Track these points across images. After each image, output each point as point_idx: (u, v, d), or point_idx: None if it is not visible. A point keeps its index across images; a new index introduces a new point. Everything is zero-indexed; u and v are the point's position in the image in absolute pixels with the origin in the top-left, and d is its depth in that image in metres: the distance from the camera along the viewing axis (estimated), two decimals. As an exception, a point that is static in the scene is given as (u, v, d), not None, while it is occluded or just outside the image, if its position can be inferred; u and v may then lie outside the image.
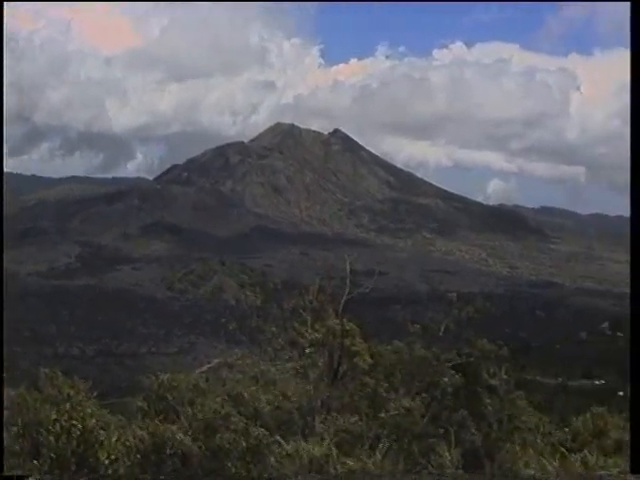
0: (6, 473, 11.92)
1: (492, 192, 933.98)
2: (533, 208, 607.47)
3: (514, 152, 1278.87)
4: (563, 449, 16.78)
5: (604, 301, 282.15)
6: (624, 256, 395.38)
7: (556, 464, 15.95)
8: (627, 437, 21.54)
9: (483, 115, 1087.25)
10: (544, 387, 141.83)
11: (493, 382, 17.37)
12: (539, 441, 17.90)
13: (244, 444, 13.16)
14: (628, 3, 11.07)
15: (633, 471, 7.92)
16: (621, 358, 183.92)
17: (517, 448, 16.58)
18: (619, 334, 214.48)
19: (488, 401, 17.05)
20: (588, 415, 20.33)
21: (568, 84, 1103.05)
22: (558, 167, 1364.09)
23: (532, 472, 15.50)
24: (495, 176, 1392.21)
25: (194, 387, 15.34)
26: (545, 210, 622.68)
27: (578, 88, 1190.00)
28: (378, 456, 14.26)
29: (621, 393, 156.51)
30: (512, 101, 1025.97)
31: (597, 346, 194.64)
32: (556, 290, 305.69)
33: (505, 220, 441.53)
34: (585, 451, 16.91)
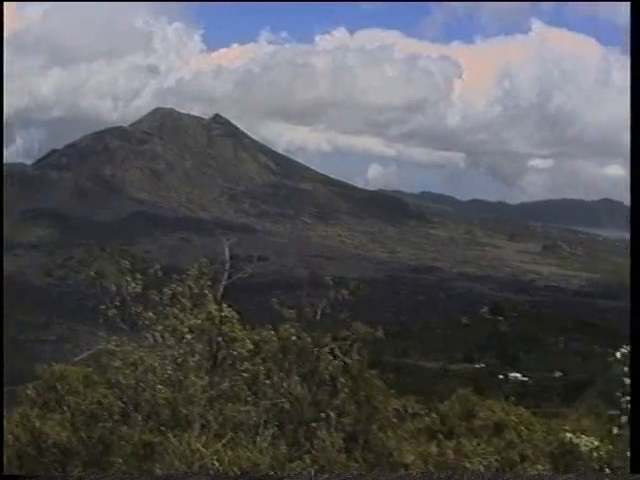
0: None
1: (372, 177, 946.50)
2: (413, 193, 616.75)
3: (394, 138, 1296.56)
4: (437, 434, 17.06)
5: (484, 286, 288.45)
6: (504, 241, 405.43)
7: (434, 450, 16.22)
8: (504, 419, 22.04)
9: (365, 101, 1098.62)
10: (426, 371, 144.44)
11: (347, 360, 17.53)
12: (410, 424, 18.17)
13: (136, 438, 13.06)
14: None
15: (633, 471, 8.16)
16: (501, 342, 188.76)
17: (389, 433, 16.80)
18: (499, 318, 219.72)
19: (342, 380, 17.19)
20: (454, 397, 20.65)
21: (450, 71, 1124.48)
22: (438, 153, 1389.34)
23: (411, 458, 15.74)
24: (375, 161, 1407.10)
25: (84, 377, 15.14)
26: (425, 195, 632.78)
27: (460, 75, 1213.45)
28: (263, 444, 14.29)
29: (501, 376, 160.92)
30: (394, 87, 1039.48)
31: (477, 330, 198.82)
32: (436, 275, 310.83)
33: (385, 205, 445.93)
34: (459, 438, 17.26)
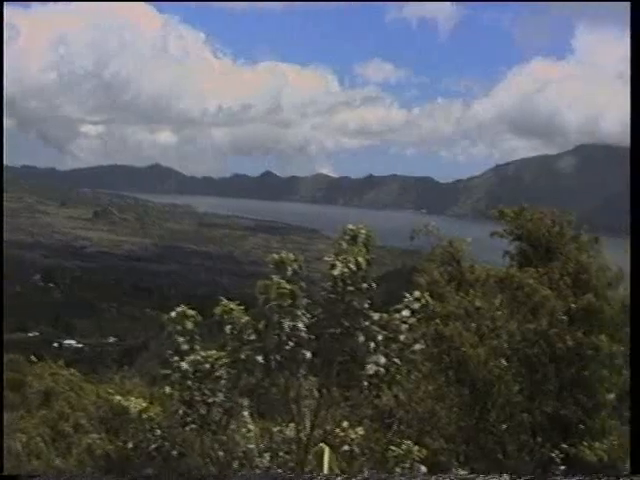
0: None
1: None
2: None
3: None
4: None
5: (35, 253, 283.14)
6: (54, 208, 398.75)
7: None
8: (53, 387, 21.75)
9: None
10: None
11: None
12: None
13: None
14: None
15: (633, 471, 8.09)
16: (54, 309, 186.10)
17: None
18: (51, 285, 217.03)
19: None
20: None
21: (5, 35, 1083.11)
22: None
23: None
24: None
25: None
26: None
27: (15, 40, 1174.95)
28: None
29: (56, 344, 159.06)
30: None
31: (30, 298, 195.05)
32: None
33: None
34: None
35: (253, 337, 11.12)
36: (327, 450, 10.38)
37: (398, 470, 11.30)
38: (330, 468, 10.03)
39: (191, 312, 11.67)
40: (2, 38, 13.75)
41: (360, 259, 10.93)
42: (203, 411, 11.50)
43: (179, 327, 11.57)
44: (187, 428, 11.57)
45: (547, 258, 19.97)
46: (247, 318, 11.15)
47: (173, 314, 11.61)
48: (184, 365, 11.38)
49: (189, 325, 11.61)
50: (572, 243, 20.11)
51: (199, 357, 11.36)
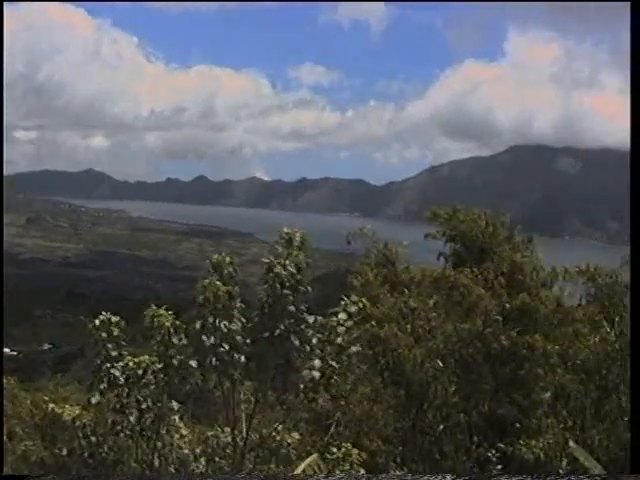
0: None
1: None
2: None
3: None
4: None
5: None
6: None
7: None
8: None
9: None
10: None
11: None
12: None
13: None
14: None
15: (633, 471, 7.94)
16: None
17: None
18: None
19: None
20: None
21: None
22: None
23: None
24: None
25: None
26: None
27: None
28: None
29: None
30: None
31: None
32: None
33: None
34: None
35: (184, 342, 11.00)
36: (310, 458, 10.31)
37: (338, 472, 11.25)
38: (304, 471, 9.94)
39: (115, 318, 11.51)
40: (2, 38, 13.61)
41: (296, 262, 10.88)
42: (134, 418, 11.34)
43: (104, 334, 11.41)
44: (121, 435, 11.41)
45: (481, 258, 20.09)
46: (177, 322, 11.05)
47: (97, 322, 11.44)
48: (115, 372, 11.22)
49: (115, 331, 11.46)
50: (506, 243, 20.26)
51: (131, 363, 11.20)
